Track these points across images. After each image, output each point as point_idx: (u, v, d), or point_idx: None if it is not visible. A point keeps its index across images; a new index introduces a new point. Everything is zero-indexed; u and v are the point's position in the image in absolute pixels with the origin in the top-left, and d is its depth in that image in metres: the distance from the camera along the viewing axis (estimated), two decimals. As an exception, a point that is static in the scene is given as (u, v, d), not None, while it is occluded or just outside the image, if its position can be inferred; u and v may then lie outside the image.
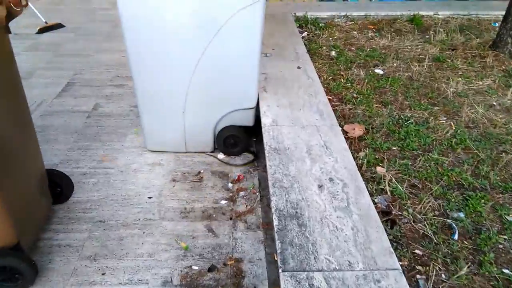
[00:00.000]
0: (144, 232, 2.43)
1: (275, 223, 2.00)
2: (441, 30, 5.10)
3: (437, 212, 2.28)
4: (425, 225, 2.19)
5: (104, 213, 2.57)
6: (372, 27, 5.46)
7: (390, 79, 3.80)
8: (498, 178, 2.56)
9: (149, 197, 2.71)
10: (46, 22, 5.64)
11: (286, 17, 5.49)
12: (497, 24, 5.39)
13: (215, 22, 2.52)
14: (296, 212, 2.07)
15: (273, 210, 2.10)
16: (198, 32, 2.55)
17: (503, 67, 4.15)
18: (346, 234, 1.94)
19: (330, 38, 4.98)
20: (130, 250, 2.30)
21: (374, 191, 2.43)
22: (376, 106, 3.36)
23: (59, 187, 2.55)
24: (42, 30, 5.55)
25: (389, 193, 2.41)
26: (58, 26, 5.77)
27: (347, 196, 2.18)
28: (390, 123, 3.12)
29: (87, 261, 2.22)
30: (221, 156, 3.15)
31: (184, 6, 2.46)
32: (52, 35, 5.53)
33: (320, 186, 2.25)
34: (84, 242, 2.35)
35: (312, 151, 2.56)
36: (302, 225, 1.99)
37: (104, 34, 5.66)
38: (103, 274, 2.14)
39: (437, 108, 3.37)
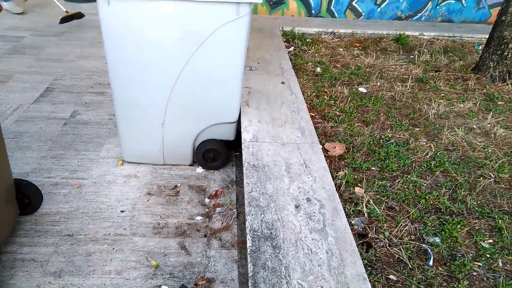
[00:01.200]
0: (113, 248, 2.35)
1: (249, 244, 1.95)
2: (425, 50, 5.17)
3: (413, 236, 2.26)
4: (400, 249, 2.16)
5: (73, 226, 2.47)
6: (358, 45, 5.51)
7: (373, 98, 3.81)
8: (475, 203, 2.56)
9: (122, 211, 2.62)
10: (67, 12, 5.57)
11: (274, 32, 5.50)
12: (480, 47, 5.50)
13: (198, 35, 2.48)
14: (271, 233, 2.02)
15: (247, 230, 2.04)
16: (180, 44, 2.51)
17: (485, 90, 4.21)
18: (320, 258, 1.89)
19: (316, 54, 5.00)
20: (97, 266, 2.21)
21: (352, 213, 2.39)
22: (358, 125, 3.35)
23: (27, 198, 2.45)
24: (64, 20, 5.49)
25: (366, 215, 2.38)
26: (79, 15, 5.71)
27: (324, 218, 2.14)
28: (371, 142, 3.11)
29: (51, 277, 2.12)
30: (199, 170, 3.09)
31: (166, 18, 2.41)
32: (35, 38, 5.42)
33: (297, 206, 2.21)
34: (50, 257, 2.25)
35: (291, 169, 2.52)
36: (276, 247, 1.94)
37: (89, 39, 5.57)
38: (66, 292, 2.05)
39: (418, 129, 3.38)
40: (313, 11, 6.80)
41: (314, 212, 2.18)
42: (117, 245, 2.36)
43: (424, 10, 7.03)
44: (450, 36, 5.93)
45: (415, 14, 7.06)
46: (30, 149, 3.14)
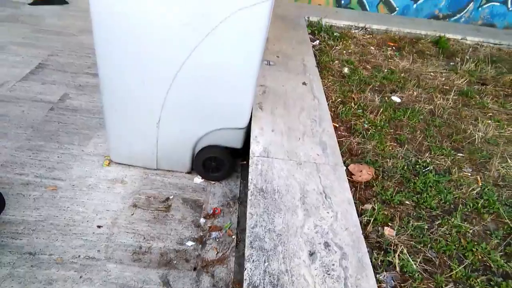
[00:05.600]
0: (81, 276, 1.91)
1: (244, 308, 1.47)
2: (468, 58, 4.55)
3: (458, 308, 1.76)
4: (441, 325, 1.67)
5: (38, 242, 2.04)
6: (392, 44, 4.91)
7: (409, 111, 3.25)
8: (535, 262, 2.04)
9: (99, 226, 2.17)
10: None
11: (298, 21, 4.93)
12: (530, 59, 4.87)
13: (207, 21, 1.98)
14: (275, 292, 1.54)
15: (245, 284, 1.57)
16: (185, 30, 2.01)
17: (540, 112, 3.62)
18: (338, 338, 1.41)
19: (344, 51, 4.43)
20: (57, 301, 1.78)
21: (380, 264, 1.89)
22: (390, 144, 2.82)
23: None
24: (37, 2, 4.96)
25: (398, 268, 1.88)
26: (60, 1, 5.16)
27: (346, 274, 1.65)
28: (405, 168, 2.59)
29: (-5, 312, 1.69)
30: (198, 180, 2.61)
31: (170, -3, 1.91)
32: (36, 7, 4.94)
33: (311, 254, 1.72)
34: (3, 281, 1.82)
35: (308, 199, 2.02)
36: (281, 314, 1.46)
37: (96, 12, 5.08)
38: (9, 338, 1.62)
39: (461, 155, 2.83)
40: (342, 1, 6.21)
41: (333, 264, 1.69)
42: (86, 273, 1.92)
43: (465, 11, 6.39)
44: (496, 44, 5.29)
45: (454, 15, 6.44)
46: (5, 137, 2.70)
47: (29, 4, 4.94)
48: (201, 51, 2.07)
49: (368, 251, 1.80)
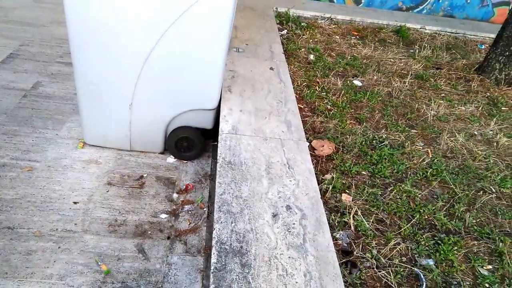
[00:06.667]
0: (59, 247, 2.01)
1: (213, 260, 1.64)
2: (426, 45, 4.85)
3: (404, 258, 1.98)
4: (389, 273, 1.89)
5: (16, 217, 2.13)
6: (356, 33, 5.16)
7: (368, 93, 3.49)
8: (474, 221, 2.30)
9: (75, 202, 2.28)
10: None
11: (267, 12, 5.10)
12: (483, 47, 5.21)
13: (176, 6, 2.11)
14: (241, 247, 1.71)
15: (213, 241, 1.73)
16: (154, 15, 2.14)
17: (488, 93, 3.93)
18: (296, 282, 1.59)
19: (311, 40, 4.64)
20: (37, 269, 1.89)
21: (337, 224, 2.10)
22: (350, 122, 3.04)
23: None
24: None
25: (353, 228, 2.09)
26: None
27: (305, 231, 1.84)
28: (363, 143, 2.81)
29: (-22, 280, 1.79)
30: (170, 159, 2.75)
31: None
32: (6, -3, 4.91)
33: (274, 215, 1.90)
34: (-17, 253, 1.92)
35: (272, 169, 2.20)
36: (246, 265, 1.63)
37: (66, 4, 5.08)
38: (-7, 299, 1.73)
39: (414, 131, 3.09)
40: (311, -6, 6.40)
41: (293, 224, 1.87)
42: (64, 244, 2.04)
43: (426, 3, 6.73)
44: (452, 32, 5.62)
45: (417, 7, 6.76)
46: (-21, 123, 2.76)
47: None
48: (170, 35, 2.20)
49: (326, 214, 2.00)
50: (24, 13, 4.57)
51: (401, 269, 1.92)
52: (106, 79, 2.38)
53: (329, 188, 2.30)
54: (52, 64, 3.63)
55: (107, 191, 2.40)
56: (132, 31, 2.18)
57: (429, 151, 2.84)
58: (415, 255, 2.01)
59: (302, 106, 3.12)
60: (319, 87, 3.47)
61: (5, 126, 2.76)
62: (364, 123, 3.06)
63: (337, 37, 4.93)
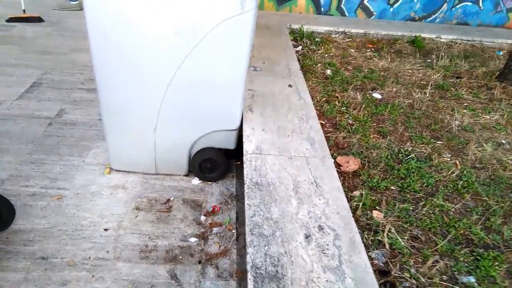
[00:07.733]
0: (93, 276, 2.02)
1: (250, 286, 1.61)
2: (443, 54, 4.81)
3: (444, 277, 1.92)
4: (430, 292, 1.83)
5: (49, 247, 2.14)
6: (371, 46, 5.15)
7: (389, 106, 3.46)
8: (512, 233, 2.23)
9: (105, 229, 2.29)
10: (24, 11, 5.20)
11: (281, 29, 5.15)
12: (501, 53, 5.14)
13: (195, 32, 2.14)
14: (277, 271, 1.68)
15: (248, 266, 1.71)
16: (175, 41, 2.17)
17: (512, 100, 3.87)
18: (336, 306, 1.56)
19: (326, 55, 4.64)
20: (72, 299, 1.89)
21: (371, 243, 2.06)
22: (374, 136, 3.01)
23: (-4, 212, 2.13)
24: (13, 19, 5.11)
25: (387, 246, 2.04)
26: (36, 19, 5.30)
27: (340, 252, 1.81)
28: (389, 157, 2.77)
29: (16, 312, 1.80)
30: (195, 181, 2.75)
31: (160, 12, 2.07)
32: (27, 28, 5.07)
33: (307, 237, 1.87)
34: (19, 285, 1.93)
35: (300, 189, 2.18)
36: (283, 290, 1.60)
37: (85, 31, 5.21)
38: (31, 333, 1.73)
39: (440, 142, 3.04)
40: (322, 9, 6.45)
41: (327, 245, 1.84)
42: (97, 272, 2.04)
43: (439, 12, 6.69)
44: (469, 40, 5.57)
45: (429, 16, 6.73)
46: (8, 152, 2.81)
47: (6, 20, 5.10)
48: (191, 60, 2.23)
49: (359, 232, 1.96)
50: (45, 42, 4.71)
51: (442, 288, 1.86)
52: (131, 105, 2.41)
53: (359, 205, 2.26)
54: (74, 91, 3.71)
55: (136, 216, 2.41)
56: (154, 58, 2.22)
57: (457, 162, 2.78)
58: (455, 273, 1.95)
59: (324, 122, 3.11)
60: (338, 102, 3.46)
61: (33, 155, 2.81)
62: (388, 137, 3.03)
63: (352, 50, 4.93)
